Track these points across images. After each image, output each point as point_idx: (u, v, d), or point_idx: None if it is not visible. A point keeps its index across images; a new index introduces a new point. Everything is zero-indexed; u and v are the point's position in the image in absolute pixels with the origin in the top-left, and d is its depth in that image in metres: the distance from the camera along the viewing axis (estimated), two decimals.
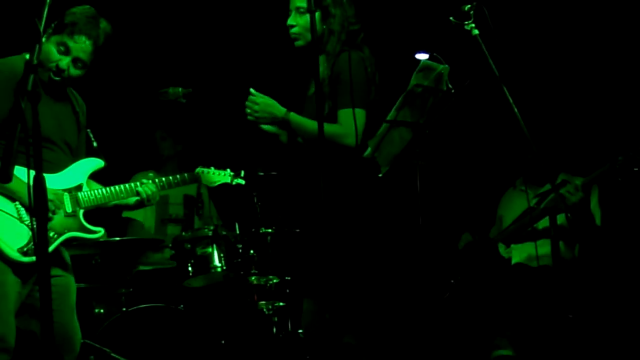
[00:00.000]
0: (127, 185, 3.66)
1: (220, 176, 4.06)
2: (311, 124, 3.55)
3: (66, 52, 3.42)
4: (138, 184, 3.67)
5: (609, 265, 4.38)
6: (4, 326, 3.29)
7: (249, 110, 3.72)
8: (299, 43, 3.72)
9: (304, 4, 3.58)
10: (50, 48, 3.38)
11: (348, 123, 3.61)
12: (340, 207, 3.54)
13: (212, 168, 4.04)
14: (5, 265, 3.30)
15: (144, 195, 3.67)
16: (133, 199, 3.69)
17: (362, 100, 3.66)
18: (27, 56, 3.34)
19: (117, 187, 3.65)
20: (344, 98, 3.65)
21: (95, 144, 3.73)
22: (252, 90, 3.69)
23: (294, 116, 3.66)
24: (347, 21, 3.77)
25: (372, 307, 3.71)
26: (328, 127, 3.45)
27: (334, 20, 3.74)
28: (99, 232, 3.60)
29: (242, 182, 4.13)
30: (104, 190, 3.62)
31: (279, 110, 3.68)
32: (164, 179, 3.80)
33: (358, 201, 3.65)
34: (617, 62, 4.89)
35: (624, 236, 4.52)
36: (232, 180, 4.09)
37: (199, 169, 4.00)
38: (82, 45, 3.44)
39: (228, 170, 4.09)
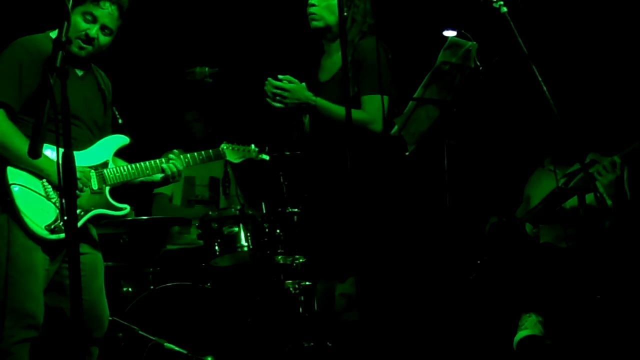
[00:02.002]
0: (152, 161, 3.65)
1: (245, 152, 4.05)
2: (339, 109, 3.55)
3: (93, 20, 3.41)
4: (163, 160, 3.66)
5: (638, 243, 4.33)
6: (33, 303, 3.31)
7: (278, 98, 3.68)
8: (316, 24, 3.71)
9: None
10: (77, 19, 3.36)
11: (373, 109, 3.60)
12: (367, 186, 3.54)
13: (236, 144, 4.02)
14: (33, 242, 3.31)
15: (169, 172, 3.66)
16: (159, 176, 3.68)
17: (386, 86, 3.63)
18: (52, 34, 3.47)
19: (142, 163, 3.64)
20: (368, 84, 3.66)
21: (120, 121, 3.73)
22: (280, 76, 3.67)
23: (321, 101, 3.64)
24: (369, 14, 3.79)
25: (399, 288, 3.69)
26: (355, 113, 3.42)
27: (357, 11, 3.77)
28: (125, 209, 3.61)
29: (267, 157, 4.11)
30: (129, 166, 3.63)
31: (308, 96, 3.66)
32: (189, 155, 3.78)
33: (384, 180, 3.65)
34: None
35: None
36: (256, 156, 4.07)
37: (223, 145, 3.98)
38: (107, 10, 3.43)
39: (252, 145, 4.08)
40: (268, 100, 3.70)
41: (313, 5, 3.70)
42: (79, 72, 3.51)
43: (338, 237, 3.70)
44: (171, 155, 3.69)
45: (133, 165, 3.64)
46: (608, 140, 4.29)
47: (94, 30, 3.42)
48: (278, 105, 3.70)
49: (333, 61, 3.78)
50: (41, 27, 3.55)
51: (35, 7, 4.12)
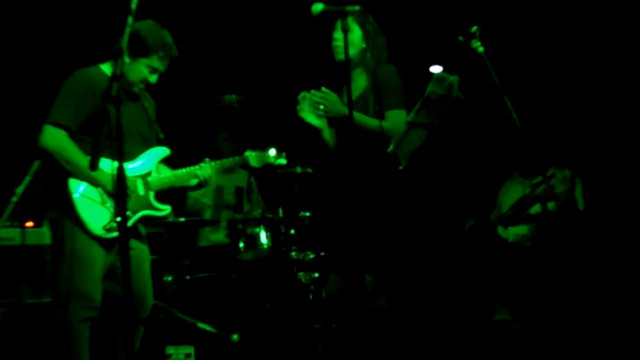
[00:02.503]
0: (187, 169, 3.62)
1: (265, 157, 3.92)
2: (369, 119, 3.55)
3: (155, 71, 3.46)
4: (197, 167, 3.62)
5: (590, 243, 4.31)
6: (92, 289, 3.34)
7: (322, 106, 3.59)
8: (340, 57, 3.62)
9: (353, 26, 3.57)
10: (141, 68, 3.43)
11: (397, 121, 3.56)
12: (368, 195, 3.51)
13: (258, 150, 3.91)
14: (92, 240, 3.33)
15: (202, 178, 3.63)
16: (194, 181, 3.65)
17: (404, 104, 3.63)
18: (102, 66, 3.53)
19: (180, 170, 3.63)
20: (391, 102, 3.62)
21: (161, 135, 3.68)
22: (323, 88, 3.59)
23: (355, 113, 3.51)
24: (383, 46, 3.73)
25: (396, 278, 3.66)
26: (384, 123, 3.52)
27: (375, 44, 3.69)
28: (166, 209, 3.61)
29: (284, 161, 3.96)
30: (169, 174, 3.61)
31: (343, 108, 3.55)
32: (218, 161, 3.73)
33: (383, 190, 3.62)
34: (591, 76, 4.86)
35: (603, 218, 4.46)
36: (275, 160, 3.93)
37: (247, 152, 3.88)
38: (167, 64, 3.49)
39: (272, 148, 3.94)
40: (298, 110, 3.62)
41: (337, 40, 3.63)
42: (128, 96, 3.51)
43: (342, 238, 3.69)
44: (203, 164, 3.65)
45: (172, 173, 3.62)
46: (566, 155, 4.24)
47: (154, 79, 3.49)
48: (320, 113, 3.62)
49: (356, 85, 3.70)
50: (95, 58, 3.56)
51: (90, 41, 4.06)
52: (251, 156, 3.87)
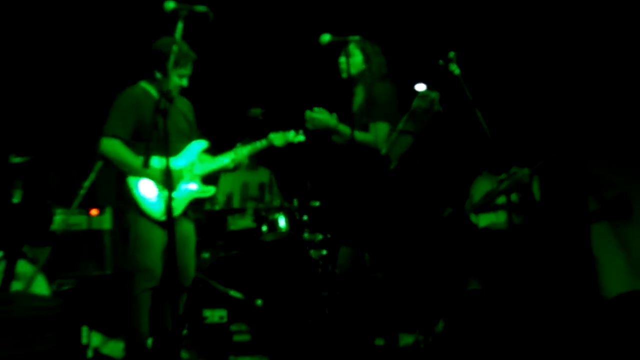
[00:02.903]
0: (225, 153, 3.63)
1: (286, 135, 3.78)
2: (348, 132, 3.41)
3: (184, 76, 3.43)
4: (233, 151, 3.62)
5: (545, 227, 4.35)
6: (154, 264, 3.35)
7: (310, 123, 3.58)
8: (344, 75, 3.57)
9: (355, 51, 3.57)
10: (174, 78, 3.35)
11: (376, 132, 3.51)
12: (367, 189, 3.51)
13: (280, 132, 3.78)
14: (152, 224, 3.36)
15: (237, 159, 3.64)
16: (232, 163, 3.64)
17: (388, 116, 3.54)
18: (142, 84, 3.50)
19: (218, 156, 3.63)
20: (374, 115, 3.55)
21: (199, 131, 3.66)
22: (315, 108, 3.58)
23: (341, 127, 3.53)
24: (382, 65, 3.66)
25: (390, 254, 3.67)
26: (363, 135, 3.46)
27: (372, 64, 3.61)
28: (211, 190, 3.61)
29: (303, 138, 3.81)
30: (210, 161, 3.61)
31: (332, 123, 3.55)
32: (248, 146, 3.69)
33: (378, 185, 3.60)
34: (544, 95, 4.80)
35: (555, 207, 4.49)
36: (294, 138, 3.79)
37: (271, 134, 3.77)
38: (191, 67, 3.45)
39: (292, 130, 3.81)
40: (307, 125, 3.61)
41: (341, 63, 3.58)
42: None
43: (354, 219, 3.62)
44: (237, 149, 3.65)
45: (212, 159, 3.61)
46: (525, 157, 4.28)
47: (185, 82, 3.45)
48: (309, 127, 3.59)
49: (357, 99, 3.64)
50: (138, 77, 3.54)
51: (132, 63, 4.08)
52: (275, 137, 3.77)
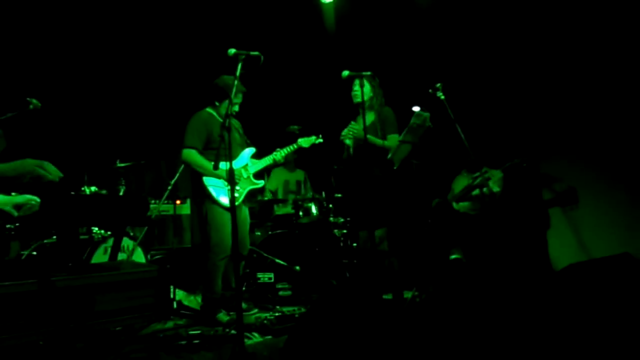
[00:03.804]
0: (268, 156, 3.62)
1: (309, 139, 3.81)
2: (378, 140, 3.46)
3: (236, 104, 3.44)
4: (274, 154, 3.62)
5: (506, 213, 4.26)
6: (226, 240, 3.36)
7: (350, 133, 3.49)
8: (357, 100, 3.56)
9: (365, 84, 3.51)
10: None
11: (392, 141, 3.49)
12: (379, 183, 3.48)
13: (305, 137, 3.82)
14: (223, 210, 3.37)
15: (277, 160, 3.63)
16: (273, 162, 3.63)
17: (396, 130, 3.56)
18: (207, 109, 3.47)
19: (263, 158, 3.62)
20: (390, 130, 3.54)
21: (248, 141, 3.65)
22: (352, 122, 3.54)
23: (370, 136, 3.49)
24: (381, 95, 3.65)
25: (394, 232, 3.62)
26: (386, 142, 3.46)
27: (377, 94, 3.60)
28: (261, 183, 3.59)
29: (322, 140, 3.83)
30: (258, 162, 3.60)
31: (362, 133, 3.48)
32: (285, 148, 3.70)
33: (385, 181, 3.59)
34: (507, 108, 4.66)
35: (516, 200, 4.40)
36: (316, 141, 3.82)
37: (299, 140, 3.80)
38: (241, 97, 3.45)
39: (313, 136, 3.85)
40: (341, 137, 3.54)
41: (356, 91, 3.55)
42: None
43: (370, 207, 3.57)
44: (276, 152, 3.65)
45: (260, 160, 3.61)
46: (494, 160, 4.21)
47: (237, 108, 3.46)
48: (350, 136, 3.51)
49: (367, 119, 3.58)
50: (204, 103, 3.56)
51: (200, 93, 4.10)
52: (302, 141, 3.80)
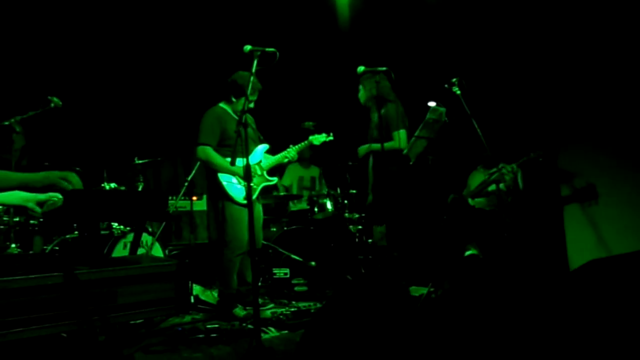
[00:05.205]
0: (281, 153, 3.63)
1: (320, 137, 3.81)
2: (376, 145, 3.49)
3: (251, 101, 3.42)
4: (286, 151, 3.62)
5: (525, 208, 4.21)
6: (242, 236, 3.39)
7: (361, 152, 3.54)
8: (362, 103, 3.61)
9: (360, 88, 3.54)
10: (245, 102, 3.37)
11: (398, 138, 3.51)
12: (394, 178, 3.49)
13: (316, 134, 3.81)
14: (238, 207, 3.38)
15: (290, 157, 3.63)
16: (285, 160, 3.64)
17: (404, 126, 3.53)
18: (220, 104, 3.46)
19: (278, 155, 3.63)
20: (393, 127, 3.54)
21: (261, 137, 3.66)
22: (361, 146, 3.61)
23: (373, 145, 3.53)
24: (388, 89, 3.63)
25: (409, 227, 3.62)
26: (389, 144, 3.45)
27: (380, 92, 3.58)
28: (274, 180, 3.62)
29: (332, 138, 3.82)
30: (271, 158, 3.61)
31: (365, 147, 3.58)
32: (297, 145, 3.68)
33: (401, 176, 3.60)
34: (525, 100, 4.59)
35: (534, 194, 4.34)
36: (326, 138, 3.81)
37: (310, 137, 3.81)
38: (257, 94, 3.45)
39: (324, 133, 3.84)
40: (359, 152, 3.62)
41: (360, 90, 3.59)
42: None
43: (384, 203, 3.63)
44: (289, 149, 3.64)
45: (273, 157, 3.62)
46: (510, 155, 4.17)
47: (252, 105, 3.45)
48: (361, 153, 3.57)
49: (375, 118, 3.62)
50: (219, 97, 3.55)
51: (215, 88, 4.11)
52: (314, 138, 3.81)
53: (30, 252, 3.31)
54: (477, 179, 4.44)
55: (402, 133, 3.51)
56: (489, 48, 4.80)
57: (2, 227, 3.18)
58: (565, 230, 3.98)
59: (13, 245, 3.07)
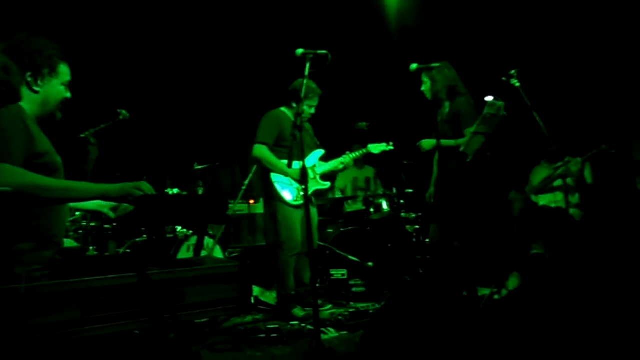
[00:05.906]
0: (337, 159, 3.64)
1: (380, 146, 3.83)
2: (450, 142, 3.36)
3: (312, 106, 3.48)
4: (342, 157, 3.63)
5: (595, 205, 4.00)
6: (296, 236, 3.42)
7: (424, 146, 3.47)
8: (427, 97, 3.50)
9: (425, 79, 3.45)
10: (305, 106, 3.40)
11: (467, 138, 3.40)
12: (451, 177, 3.42)
13: (376, 143, 3.84)
14: (291, 208, 3.43)
15: (346, 163, 3.64)
16: (341, 166, 3.65)
17: (473, 122, 3.40)
18: (282, 109, 3.52)
19: (332, 161, 3.65)
20: (464, 123, 3.39)
21: (318, 142, 3.70)
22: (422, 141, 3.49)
23: (443, 142, 3.41)
24: (456, 80, 3.48)
25: (468, 226, 3.53)
26: (458, 141, 3.36)
27: (447, 85, 3.42)
28: (327, 184, 3.64)
29: (392, 147, 3.82)
30: (326, 164, 3.64)
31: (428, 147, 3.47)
32: (353, 153, 3.70)
33: (459, 174, 3.51)
34: (593, 93, 4.40)
35: (605, 189, 4.12)
36: (386, 148, 3.83)
37: (369, 145, 3.82)
38: (317, 100, 3.49)
39: (384, 143, 3.85)
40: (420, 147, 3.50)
41: (425, 83, 3.47)
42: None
43: (442, 201, 3.55)
44: (345, 156, 3.67)
45: (328, 163, 3.65)
46: (577, 148, 3.96)
47: (313, 110, 3.50)
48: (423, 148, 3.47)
49: (443, 111, 3.50)
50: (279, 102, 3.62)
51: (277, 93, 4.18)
52: (372, 147, 3.81)
53: (106, 254, 3.53)
54: (540, 174, 4.29)
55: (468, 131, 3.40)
56: (549, 35, 4.60)
57: (80, 231, 3.43)
58: None
59: (91, 248, 3.30)
